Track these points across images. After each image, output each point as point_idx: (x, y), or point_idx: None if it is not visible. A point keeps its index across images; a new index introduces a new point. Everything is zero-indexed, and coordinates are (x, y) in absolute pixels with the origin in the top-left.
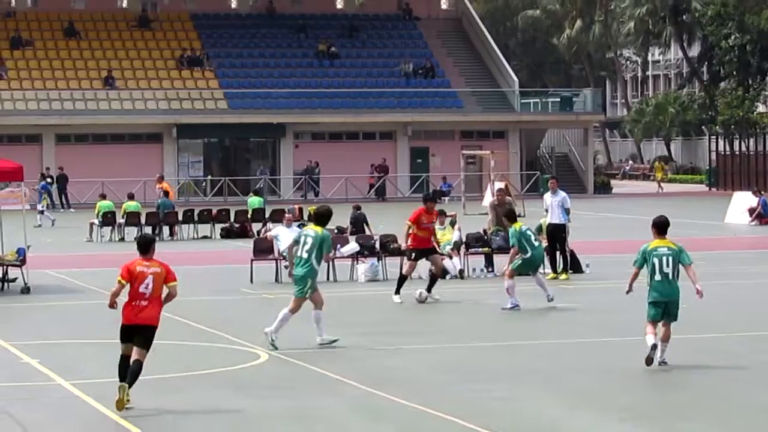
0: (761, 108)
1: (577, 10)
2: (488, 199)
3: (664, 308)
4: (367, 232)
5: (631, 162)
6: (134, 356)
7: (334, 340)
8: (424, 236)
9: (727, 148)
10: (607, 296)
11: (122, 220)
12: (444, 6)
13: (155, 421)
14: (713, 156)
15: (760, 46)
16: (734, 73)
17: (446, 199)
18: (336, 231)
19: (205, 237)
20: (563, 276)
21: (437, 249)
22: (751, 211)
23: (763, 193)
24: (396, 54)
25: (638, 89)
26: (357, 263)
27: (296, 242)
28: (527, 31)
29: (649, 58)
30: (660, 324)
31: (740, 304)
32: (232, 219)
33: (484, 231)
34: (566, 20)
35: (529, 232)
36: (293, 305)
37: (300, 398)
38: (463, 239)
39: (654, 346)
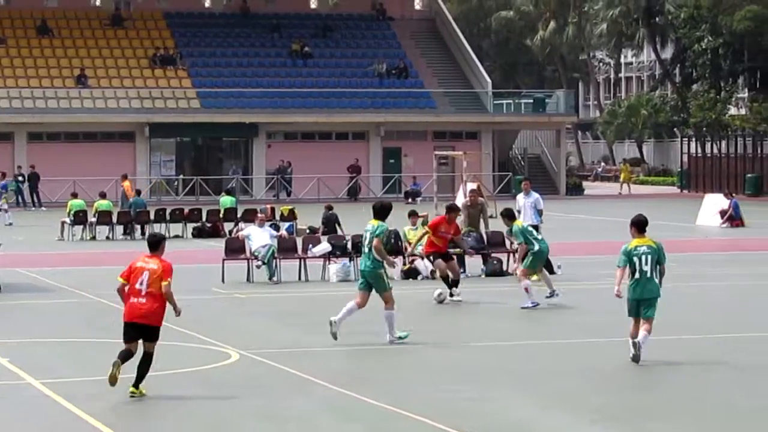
0: (733, 110)
1: (551, 12)
2: (460, 200)
3: (640, 305)
4: (339, 233)
5: (603, 164)
6: (145, 349)
7: (405, 336)
8: (439, 244)
9: (699, 151)
10: (580, 297)
11: (93, 219)
12: (418, 6)
13: (126, 421)
14: (685, 158)
15: (733, 49)
16: (706, 75)
17: (418, 199)
18: (308, 231)
19: (176, 236)
20: (534, 277)
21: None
22: (723, 213)
23: (734, 195)
24: (369, 54)
25: (611, 91)
26: (329, 263)
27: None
28: (501, 32)
29: (622, 60)
30: (641, 321)
31: (713, 306)
32: (204, 218)
33: None
34: (540, 21)
35: (530, 228)
36: (388, 303)
37: (271, 398)
38: None
39: (636, 345)
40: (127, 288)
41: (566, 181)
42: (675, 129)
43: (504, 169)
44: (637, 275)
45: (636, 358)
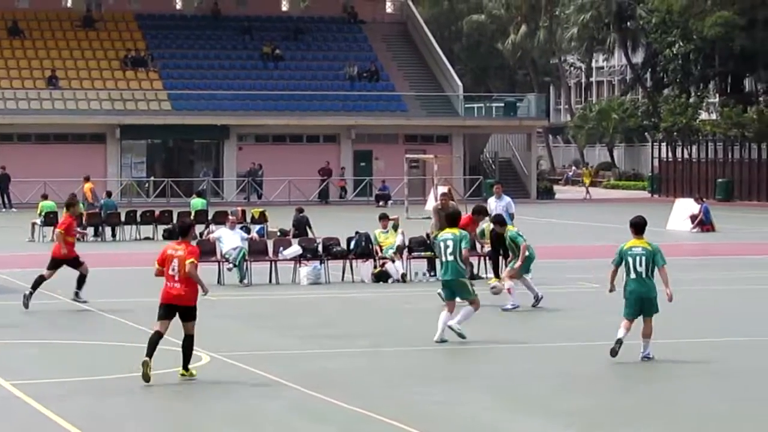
0: (704, 115)
1: (522, 16)
2: (431, 203)
3: (640, 306)
4: (310, 235)
5: (574, 168)
6: (185, 332)
7: (463, 336)
8: None
9: (670, 155)
10: (550, 301)
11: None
12: (389, 10)
13: (96, 422)
14: (656, 163)
15: (704, 54)
16: (678, 80)
17: (389, 202)
18: (279, 233)
19: (147, 238)
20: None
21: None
22: (693, 218)
23: (704, 200)
24: (341, 57)
25: (582, 95)
26: (299, 266)
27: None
28: (472, 36)
29: (593, 64)
30: (641, 320)
31: (685, 311)
32: (174, 220)
33: (427, 235)
34: (511, 25)
35: (519, 232)
36: (475, 306)
37: (241, 400)
38: (406, 243)
39: (619, 341)
40: (162, 273)
41: (537, 185)
42: (646, 133)
43: (475, 173)
44: (632, 275)
45: (613, 353)
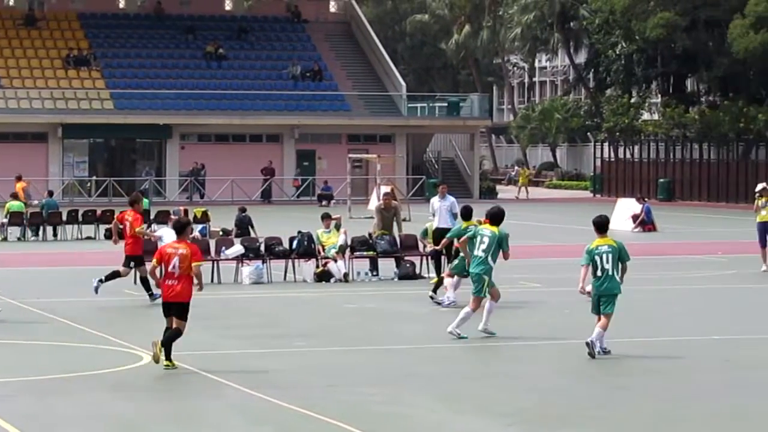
0: (646, 116)
1: (466, 16)
2: (374, 202)
3: (600, 301)
4: (253, 235)
5: (516, 168)
6: (174, 325)
7: (493, 334)
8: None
9: (612, 155)
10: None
11: (5, 220)
12: (333, 9)
13: (35, 423)
14: (598, 163)
15: (646, 55)
16: (620, 80)
17: (332, 202)
18: (221, 233)
19: (89, 237)
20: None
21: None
22: (635, 218)
23: (646, 200)
24: (284, 56)
25: (525, 95)
26: (242, 265)
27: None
28: (415, 36)
29: (536, 64)
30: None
31: (629, 310)
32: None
33: (370, 235)
34: (454, 25)
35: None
36: (473, 305)
37: (181, 400)
38: (349, 243)
39: (590, 343)
40: (158, 270)
41: (480, 184)
42: (588, 133)
43: (418, 173)
44: (599, 273)
45: (592, 355)
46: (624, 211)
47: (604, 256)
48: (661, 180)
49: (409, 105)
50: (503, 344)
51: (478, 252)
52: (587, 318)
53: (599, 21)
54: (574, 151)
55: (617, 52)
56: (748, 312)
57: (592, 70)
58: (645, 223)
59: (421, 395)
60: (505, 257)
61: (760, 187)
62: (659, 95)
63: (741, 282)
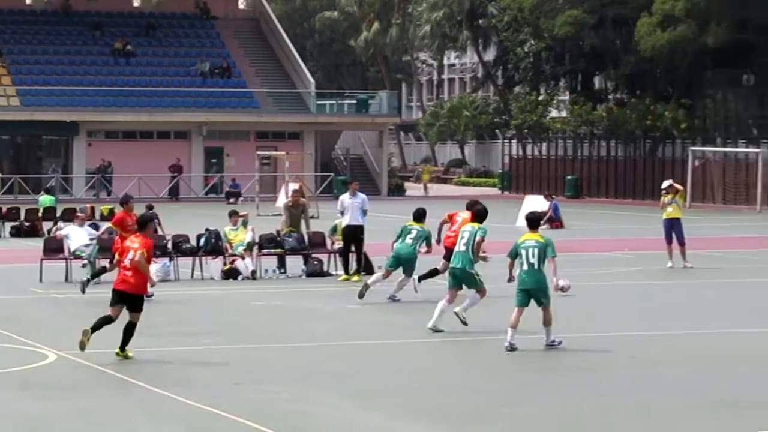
0: (554, 113)
1: (375, 13)
2: (282, 200)
3: (531, 295)
4: (160, 232)
5: (429, 164)
6: (129, 319)
7: (465, 324)
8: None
9: (520, 152)
10: (401, 297)
11: None
12: (242, 6)
13: None
14: (506, 160)
15: (554, 53)
16: (528, 78)
17: (240, 200)
18: None
19: None
20: (355, 278)
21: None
22: (543, 214)
23: (554, 197)
24: (193, 53)
25: (434, 92)
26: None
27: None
28: (325, 33)
29: (445, 61)
30: (539, 310)
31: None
32: (22, 217)
33: (278, 232)
34: (364, 22)
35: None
36: (481, 294)
37: (87, 399)
38: (256, 240)
39: (510, 345)
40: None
41: (388, 181)
42: (497, 131)
43: (327, 170)
44: (525, 266)
45: (510, 348)
46: (532, 208)
47: (530, 250)
48: (569, 177)
49: (318, 102)
50: (417, 341)
51: (461, 246)
52: (502, 316)
53: (508, 18)
54: (482, 148)
55: (526, 50)
56: (654, 309)
57: (501, 67)
58: (553, 220)
59: (328, 393)
60: (477, 247)
61: (666, 184)
62: (567, 93)
63: (647, 279)
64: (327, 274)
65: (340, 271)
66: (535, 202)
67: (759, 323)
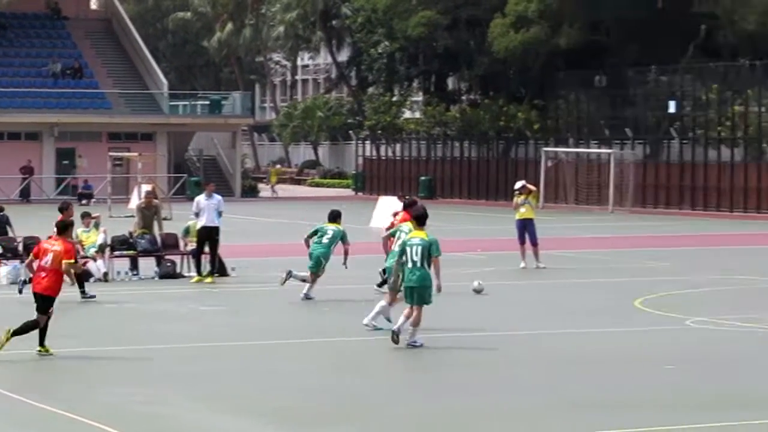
0: (408, 114)
1: (228, 13)
2: (135, 201)
3: (413, 293)
4: (11, 234)
5: (278, 166)
6: (35, 317)
7: (379, 329)
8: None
9: (374, 153)
10: (253, 299)
11: None
12: (93, 6)
13: None
14: (360, 161)
15: (408, 54)
16: (382, 79)
17: (92, 201)
18: None
19: None
20: (208, 279)
21: None
22: (396, 215)
23: (408, 197)
24: (44, 54)
25: (287, 93)
26: None
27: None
28: (178, 34)
29: (299, 62)
30: (413, 308)
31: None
32: None
33: (130, 234)
34: (217, 23)
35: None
36: (390, 298)
37: None
38: (108, 242)
39: (396, 332)
40: (35, 263)
41: (242, 183)
42: (350, 132)
43: (180, 171)
44: (409, 264)
45: (394, 339)
46: (385, 208)
47: (414, 248)
48: (423, 178)
49: (171, 103)
50: (263, 343)
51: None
52: (355, 317)
53: (361, 20)
54: (336, 149)
55: (379, 51)
56: (505, 309)
57: (355, 68)
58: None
59: (182, 395)
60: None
61: (519, 184)
62: (421, 93)
63: (499, 279)
64: (180, 275)
65: (193, 273)
66: (389, 203)
67: (610, 323)
